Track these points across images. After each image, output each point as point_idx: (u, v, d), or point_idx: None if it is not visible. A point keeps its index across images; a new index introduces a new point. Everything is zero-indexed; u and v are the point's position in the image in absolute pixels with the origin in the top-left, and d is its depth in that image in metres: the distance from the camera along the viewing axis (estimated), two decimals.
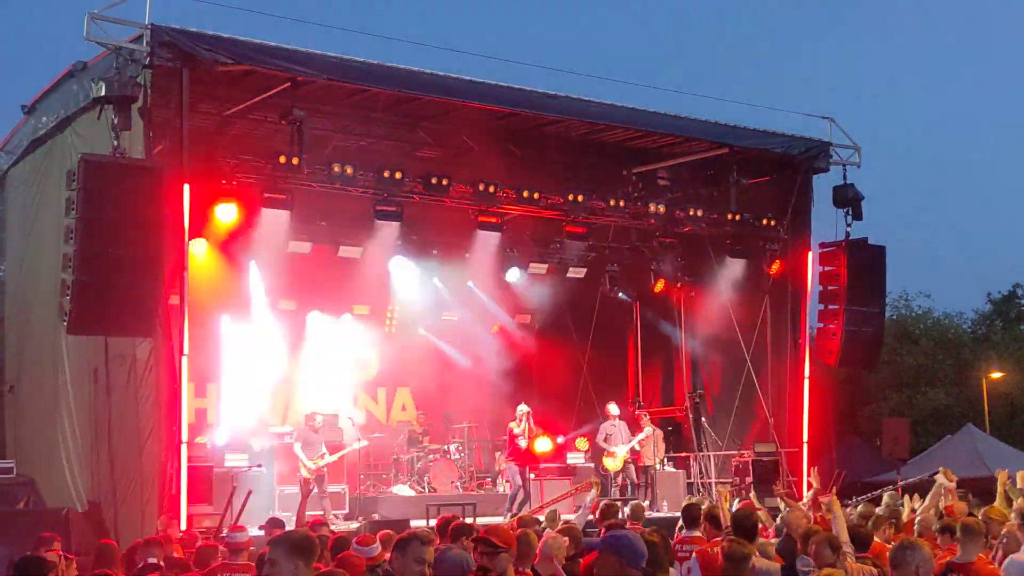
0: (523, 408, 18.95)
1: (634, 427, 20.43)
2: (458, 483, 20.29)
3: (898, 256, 21.10)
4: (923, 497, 12.88)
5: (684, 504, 11.13)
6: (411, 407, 23.17)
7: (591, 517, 12.60)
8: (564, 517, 12.96)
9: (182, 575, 9.34)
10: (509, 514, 17.21)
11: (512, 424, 18.92)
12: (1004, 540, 8.48)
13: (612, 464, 20.14)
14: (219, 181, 16.71)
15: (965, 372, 39.75)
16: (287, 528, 12.23)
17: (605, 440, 20.15)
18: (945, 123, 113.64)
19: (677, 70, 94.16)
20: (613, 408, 20.36)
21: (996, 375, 38.12)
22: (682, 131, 19.60)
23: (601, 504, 11.93)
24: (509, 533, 6.68)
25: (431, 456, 20.54)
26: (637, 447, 20.15)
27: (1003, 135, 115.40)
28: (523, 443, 18.71)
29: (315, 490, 17.89)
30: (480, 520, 15.17)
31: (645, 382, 23.02)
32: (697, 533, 9.84)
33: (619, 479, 20.19)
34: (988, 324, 47.70)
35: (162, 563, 9.34)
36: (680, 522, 10.26)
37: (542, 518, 12.81)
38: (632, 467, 20.03)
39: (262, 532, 12.33)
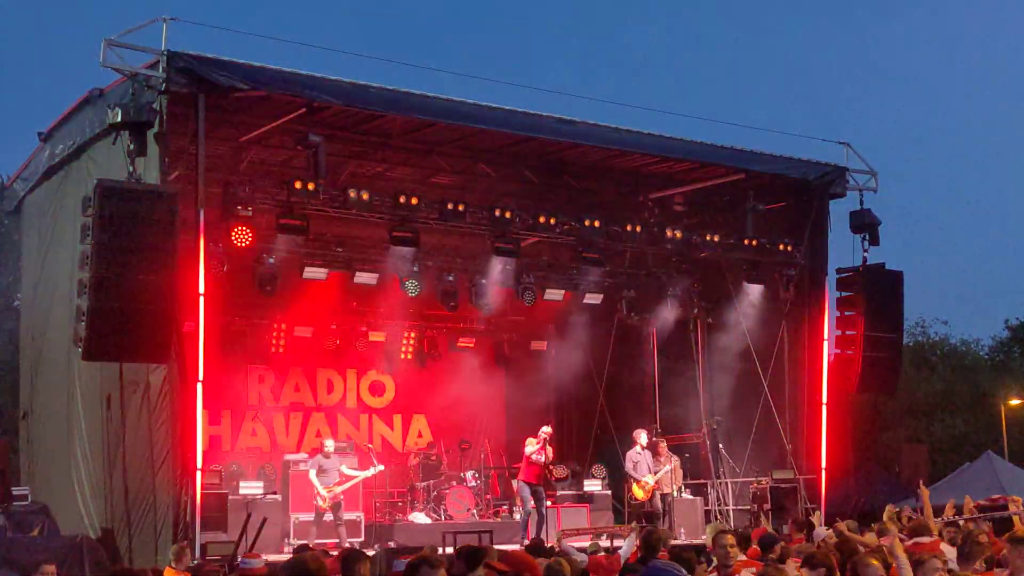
0: (546, 430, 18.74)
1: (654, 455, 20.25)
2: (474, 510, 20.17)
3: (914, 282, 20.97)
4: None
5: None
6: (427, 434, 23.07)
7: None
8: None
9: None
10: (527, 540, 16.99)
11: (530, 440, 18.67)
12: None
13: (641, 493, 19.90)
14: (235, 207, 16.71)
15: (983, 399, 39.48)
16: None
17: (634, 468, 19.92)
18: (960, 148, 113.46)
19: (693, 96, 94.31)
20: (642, 437, 20.10)
21: (1015, 402, 37.85)
22: (698, 157, 19.53)
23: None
24: (523, 559, 6.58)
25: (447, 483, 20.44)
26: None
27: (1020, 159, 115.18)
28: (540, 458, 18.44)
29: (331, 517, 17.79)
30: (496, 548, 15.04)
31: (662, 409, 22.87)
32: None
33: (645, 508, 19.98)
34: (1006, 351, 47.47)
35: None
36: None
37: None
38: (658, 496, 19.82)
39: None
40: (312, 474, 17.94)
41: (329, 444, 18.50)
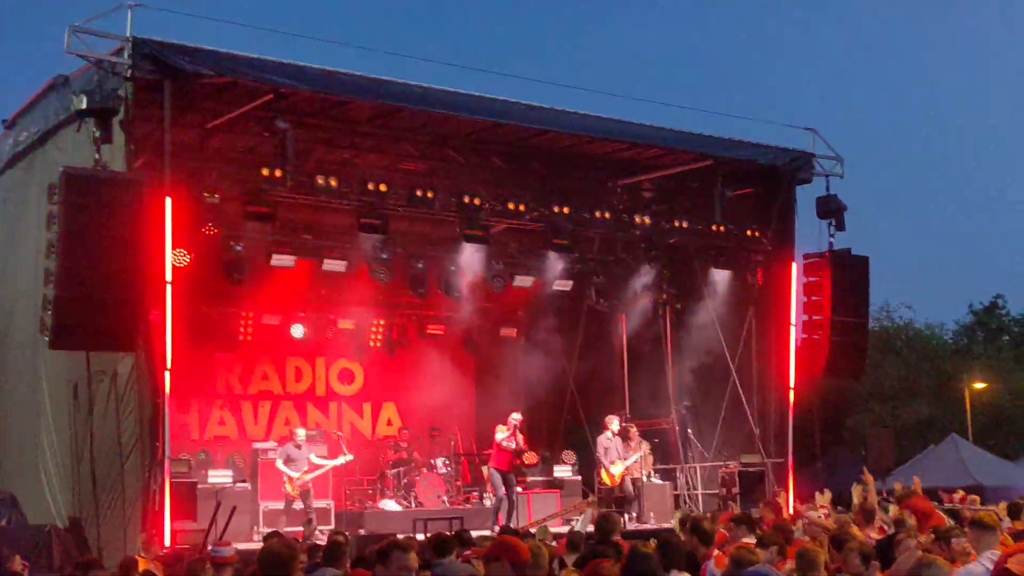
0: (515, 416, 18.78)
1: (624, 440, 20.35)
2: (444, 497, 20.20)
3: (879, 267, 21.12)
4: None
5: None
6: (397, 422, 23.05)
7: (590, 528, 12.72)
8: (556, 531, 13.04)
9: None
10: (497, 527, 17.06)
11: (500, 427, 18.69)
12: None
13: (609, 479, 20.00)
14: (201, 194, 16.60)
15: (947, 383, 39.90)
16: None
17: (604, 454, 20.03)
18: (923, 133, 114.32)
19: (661, 82, 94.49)
20: (614, 423, 20.22)
21: (979, 386, 38.25)
22: (667, 143, 19.55)
23: (600, 514, 11.87)
24: (510, 544, 6.58)
25: (417, 471, 20.46)
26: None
27: (983, 144, 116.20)
28: (511, 444, 18.47)
29: (300, 505, 17.80)
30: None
31: (632, 394, 22.95)
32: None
33: (614, 493, 20.09)
34: (970, 335, 47.98)
35: None
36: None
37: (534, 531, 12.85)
38: (628, 481, 19.94)
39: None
40: (280, 463, 17.95)
41: (300, 433, 18.53)
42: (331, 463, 18.58)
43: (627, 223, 20.08)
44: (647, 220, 20.14)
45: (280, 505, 17.98)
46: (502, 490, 18.32)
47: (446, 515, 18.06)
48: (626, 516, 18.75)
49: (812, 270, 20.85)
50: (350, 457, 18.90)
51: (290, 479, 17.76)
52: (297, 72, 15.99)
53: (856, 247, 20.94)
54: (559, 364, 23.43)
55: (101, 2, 14.60)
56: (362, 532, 17.62)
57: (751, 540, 9.47)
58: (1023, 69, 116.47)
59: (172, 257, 15.08)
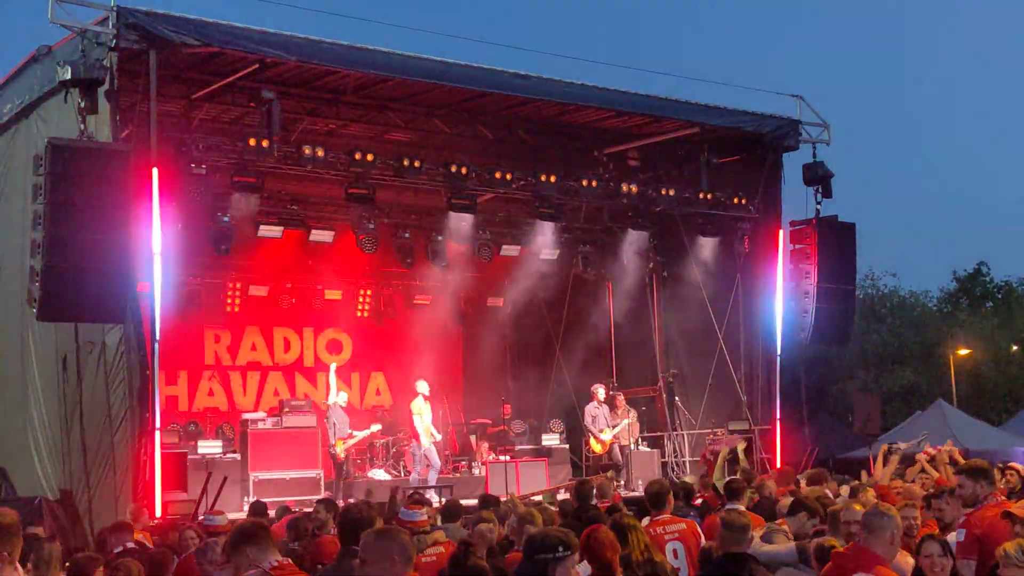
0: (424, 386, 19.15)
1: (612, 408, 20.47)
2: None
3: (863, 235, 21.13)
4: None
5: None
6: (385, 392, 23.12)
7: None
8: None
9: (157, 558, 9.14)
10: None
11: (423, 407, 18.92)
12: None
13: (598, 447, 20.12)
14: (188, 165, 16.55)
15: (932, 350, 40.10)
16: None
17: (592, 422, 20.14)
18: (911, 102, 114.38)
19: (647, 50, 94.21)
20: (600, 391, 20.33)
21: (963, 352, 38.46)
22: (653, 111, 19.53)
23: (578, 481, 11.90)
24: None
25: (406, 440, 20.53)
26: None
27: (967, 114, 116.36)
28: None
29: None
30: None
31: (619, 362, 23.02)
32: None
33: (603, 461, 20.21)
34: (954, 302, 48.19)
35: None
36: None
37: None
38: (617, 449, 20.07)
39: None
40: (330, 425, 18.52)
41: (343, 396, 18.91)
42: (361, 434, 18.94)
43: (614, 191, 20.07)
44: (634, 188, 20.13)
45: (269, 476, 18.06)
46: (437, 460, 18.71)
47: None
48: (614, 484, 18.89)
49: (799, 237, 20.86)
50: (378, 427, 19.23)
51: (339, 439, 18.09)
52: (283, 42, 15.92)
53: (843, 214, 21.00)
54: (546, 333, 23.49)
55: None
56: (352, 502, 17.69)
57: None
58: (1009, 34, 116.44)
59: (160, 228, 15.05)
